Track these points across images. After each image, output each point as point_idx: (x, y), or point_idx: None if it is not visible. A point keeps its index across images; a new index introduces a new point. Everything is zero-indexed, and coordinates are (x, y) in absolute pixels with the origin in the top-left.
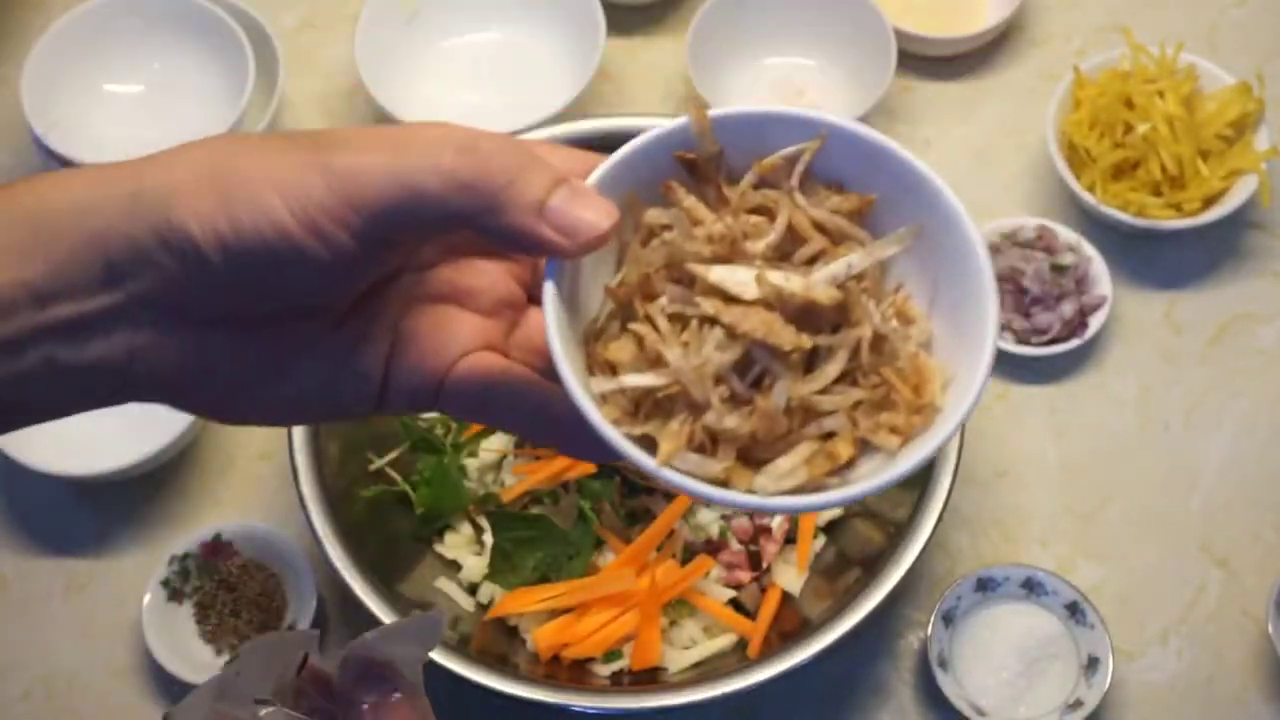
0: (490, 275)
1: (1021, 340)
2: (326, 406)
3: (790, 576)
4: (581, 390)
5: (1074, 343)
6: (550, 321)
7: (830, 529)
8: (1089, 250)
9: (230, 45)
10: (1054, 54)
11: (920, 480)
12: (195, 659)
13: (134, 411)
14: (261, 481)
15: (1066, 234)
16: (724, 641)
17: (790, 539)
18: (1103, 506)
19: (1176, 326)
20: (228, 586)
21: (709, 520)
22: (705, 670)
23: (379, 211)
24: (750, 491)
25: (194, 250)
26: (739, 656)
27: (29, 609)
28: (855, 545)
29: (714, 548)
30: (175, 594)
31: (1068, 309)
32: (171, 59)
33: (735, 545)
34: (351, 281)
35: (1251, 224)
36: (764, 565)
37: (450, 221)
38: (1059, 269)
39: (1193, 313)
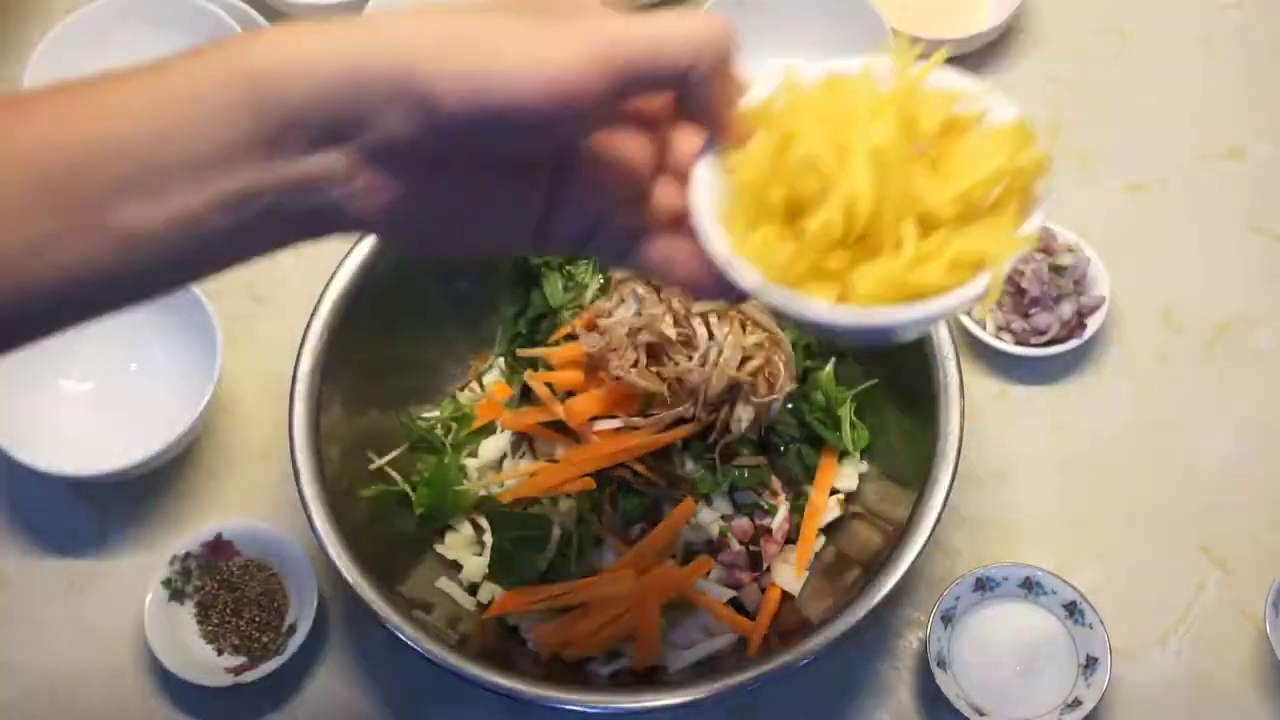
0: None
1: (1020, 341)
2: (499, 244)
3: (790, 576)
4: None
5: (1073, 343)
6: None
7: (830, 529)
8: (1088, 251)
9: None
10: (1054, 54)
11: (919, 480)
12: (196, 659)
13: (134, 411)
14: (262, 481)
15: (1065, 235)
16: (724, 641)
17: (790, 539)
18: (1101, 507)
19: (1175, 327)
20: (229, 586)
21: (709, 520)
22: (705, 670)
23: (628, 71)
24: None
25: (431, 109)
26: (739, 656)
27: (30, 609)
28: (855, 545)
29: (714, 548)
30: (176, 594)
31: (1066, 310)
32: None
33: (735, 545)
34: (565, 144)
35: (1251, 225)
36: (764, 565)
37: (675, 82)
38: (1058, 270)
39: (1191, 314)
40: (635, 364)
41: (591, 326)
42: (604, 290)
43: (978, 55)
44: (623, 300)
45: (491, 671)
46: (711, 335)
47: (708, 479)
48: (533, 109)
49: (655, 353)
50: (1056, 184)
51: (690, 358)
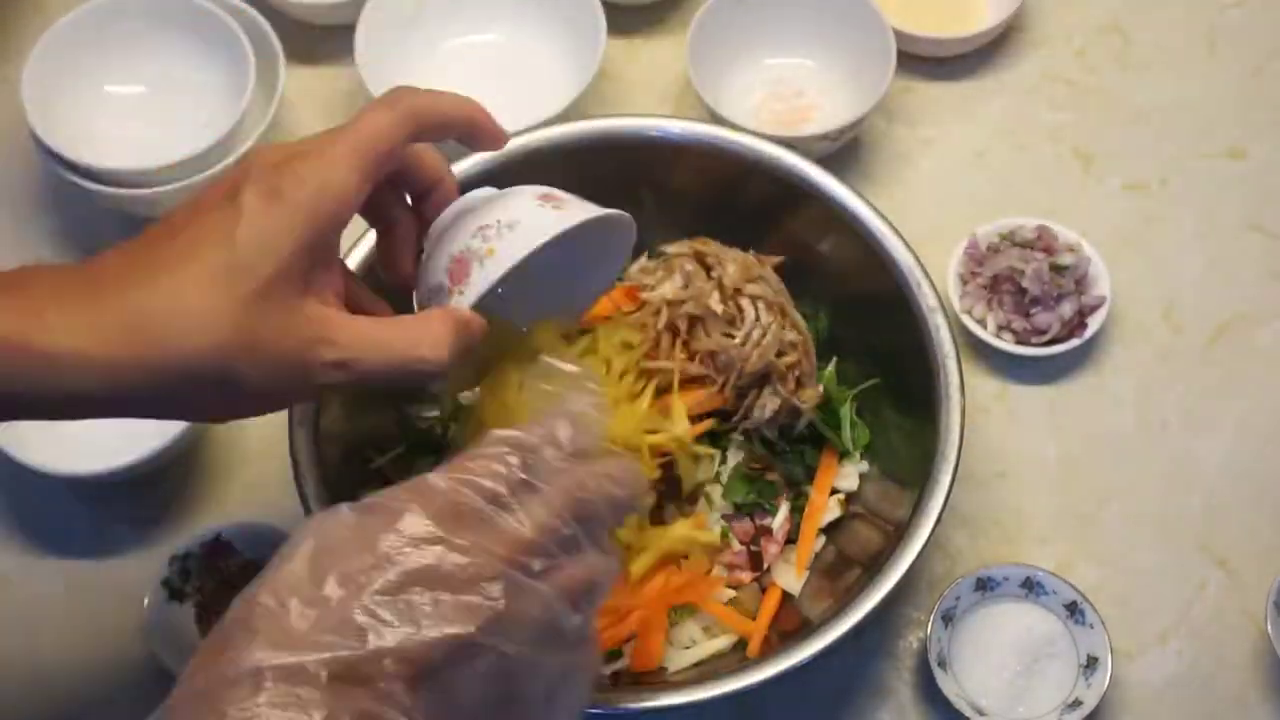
0: None
1: (1021, 340)
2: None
3: (790, 577)
4: None
5: (1073, 343)
6: None
7: (830, 529)
8: (1088, 250)
9: (230, 45)
10: (1054, 54)
11: (919, 480)
12: None
13: None
14: (262, 481)
15: (1066, 234)
16: (724, 641)
17: (790, 539)
18: (1102, 506)
19: (1176, 327)
20: (229, 586)
21: (710, 521)
22: (705, 670)
23: None
24: None
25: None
26: (739, 656)
27: (30, 608)
28: (855, 545)
29: (714, 548)
30: (176, 594)
31: (1067, 309)
32: (171, 59)
33: (736, 546)
34: None
35: (1251, 225)
36: (764, 565)
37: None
38: (1058, 269)
39: (1192, 313)
40: (671, 345)
41: (633, 299)
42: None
43: (978, 55)
44: (670, 273)
45: None
46: (758, 318)
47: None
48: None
49: (693, 329)
50: (1058, 184)
51: (732, 336)
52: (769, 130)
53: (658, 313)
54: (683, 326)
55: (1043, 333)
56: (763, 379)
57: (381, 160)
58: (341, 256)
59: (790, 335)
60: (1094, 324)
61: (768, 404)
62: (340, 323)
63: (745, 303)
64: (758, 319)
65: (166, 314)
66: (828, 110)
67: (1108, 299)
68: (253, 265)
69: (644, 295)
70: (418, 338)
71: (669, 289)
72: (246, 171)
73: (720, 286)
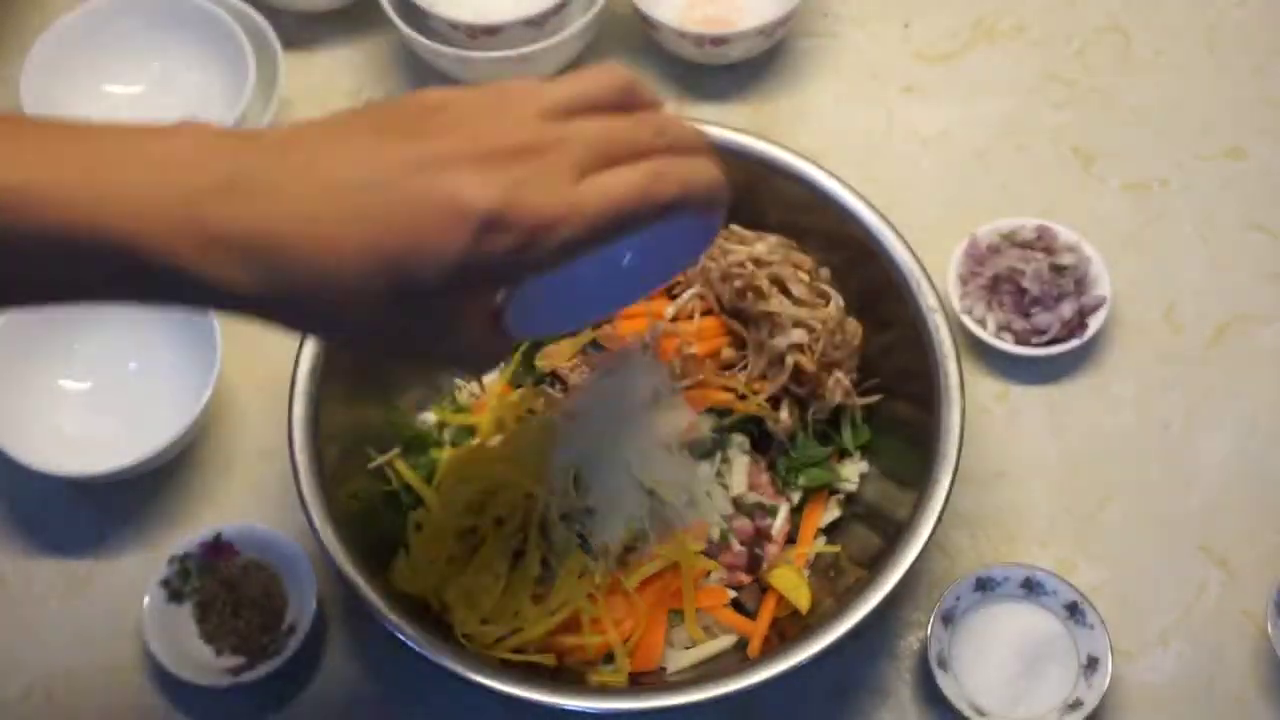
0: None
1: (1021, 341)
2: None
3: (790, 577)
4: None
5: (1073, 343)
6: None
7: (830, 530)
8: (1088, 250)
9: (230, 45)
10: (1054, 54)
11: (920, 480)
12: (195, 659)
13: (134, 411)
14: (262, 481)
15: (1066, 234)
16: (724, 642)
17: (790, 539)
18: (1102, 507)
19: (1176, 327)
20: (228, 586)
21: (710, 521)
22: (705, 671)
23: None
24: None
25: None
26: (739, 657)
27: (29, 609)
28: (855, 545)
29: (715, 549)
30: (175, 594)
31: (1067, 309)
32: (171, 59)
33: (736, 546)
34: None
35: (1251, 224)
36: (764, 566)
37: None
38: (1058, 269)
39: (1192, 313)
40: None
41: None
42: None
43: (978, 55)
44: (761, 238)
45: (490, 673)
46: (837, 304)
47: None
48: None
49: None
50: (1058, 184)
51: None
52: (698, 30)
53: (743, 266)
54: (764, 286)
55: (1043, 333)
56: (831, 364)
57: None
58: None
59: (852, 329)
60: (1094, 324)
61: (836, 390)
62: None
63: (827, 289)
64: (838, 305)
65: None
66: (755, 12)
67: (1108, 299)
68: None
69: (729, 249)
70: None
71: (761, 248)
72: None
73: (808, 269)
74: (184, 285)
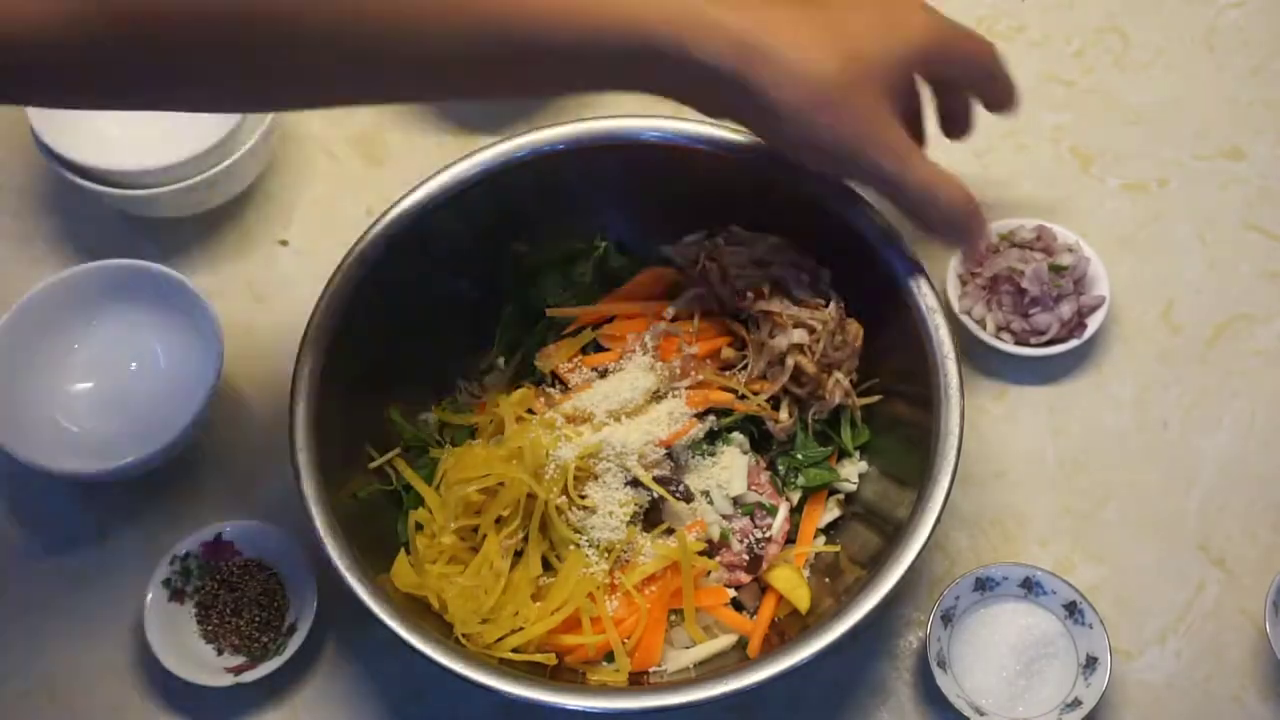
0: None
1: (1020, 341)
2: None
3: (790, 577)
4: None
5: (1072, 343)
6: None
7: (830, 529)
8: (1087, 251)
9: None
10: (1053, 54)
11: (919, 480)
12: (196, 658)
13: (134, 411)
14: (262, 481)
15: (1065, 234)
16: (724, 641)
17: (790, 539)
18: (1101, 506)
19: (1175, 327)
20: (229, 586)
21: (710, 521)
22: (705, 670)
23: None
24: None
25: None
26: (739, 656)
27: (30, 607)
28: (855, 545)
29: (714, 548)
30: (176, 593)
31: (1066, 310)
32: None
33: (736, 546)
34: None
35: (1250, 225)
36: (764, 565)
37: None
38: (1057, 270)
39: (1191, 313)
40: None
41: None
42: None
43: None
44: (762, 238)
45: (490, 672)
46: (838, 306)
47: (808, 443)
48: None
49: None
50: (1057, 184)
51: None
52: None
53: (743, 267)
54: (766, 289)
55: (1042, 333)
56: (831, 365)
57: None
58: (343, 256)
59: (853, 330)
60: (1093, 324)
61: (836, 390)
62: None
63: (827, 290)
64: (838, 306)
65: None
66: None
67: (1107, 299)
68: (861, 50)
69: (729, 250)
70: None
71: (761, 249)
72: None
73: (807, 269)
74: (686, 65)
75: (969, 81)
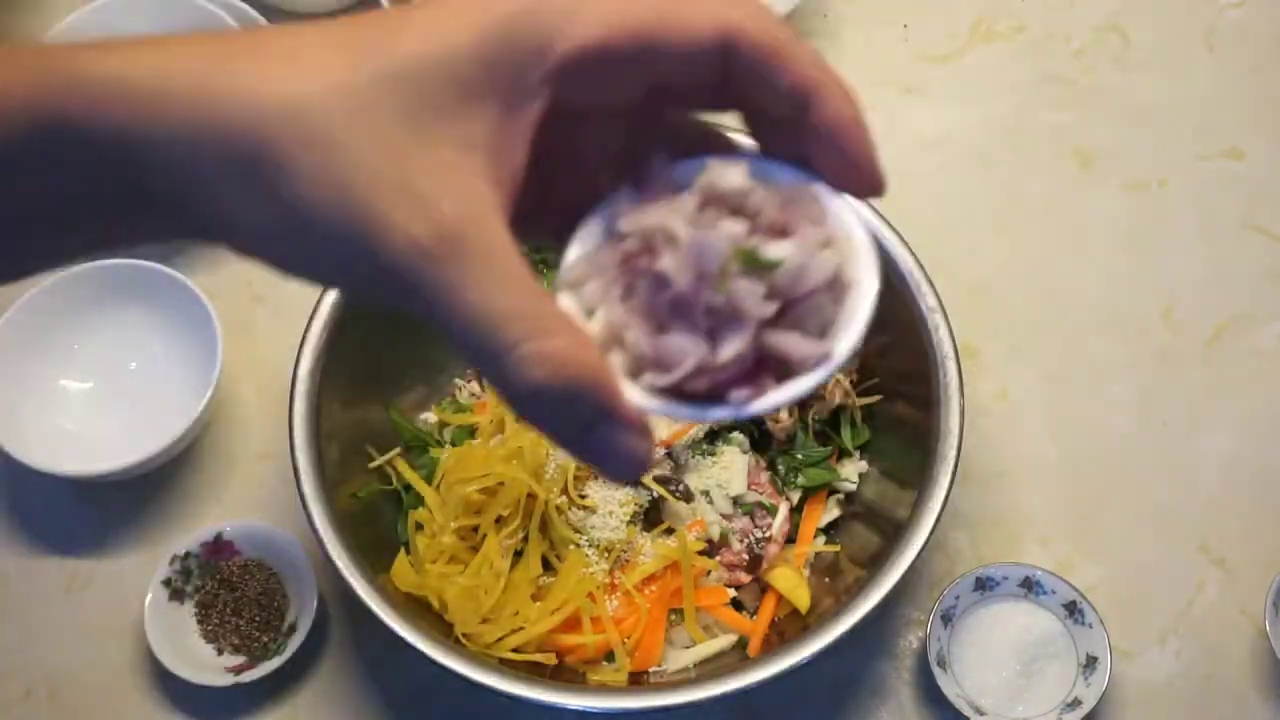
0: None
1: (635, 373)
2: None
3: (790, 577)
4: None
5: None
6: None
7: (830, 529)
8: (865, 257)
9: None
10: (1054, 54)
11: (919, 480)
12: (196, 658)
13: (134, 411)
14: (262, 481)
15: (843, 209)
16: (724, 641)
17: (790, 539)
18: (1102, 506)
19: (1175, 327)
20: (229, 586)
21: (710, 521)
22: (706, 670)
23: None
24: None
25: None
26: (739, 656)
27: (30, 609)
28: (855, 545)
29: (714, 548)
30: (176, 593)
31: (731, 346)
32: None
33: (736, 545)
34: None
35: (1250, 224)
36: (764, 565)
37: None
38: (753, 262)
39: (1191, 313)
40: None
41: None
42: None
43: (977, 55)
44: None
45: (491, 672)
46: None
47: (807, 444)
48: None
49: None
50: (1057, 183)
51: None
52: None
53: None
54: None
55: (666, 369)
56: None
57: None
58: None
59: None
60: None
61: (836, 390)
62: (462, 196)
63: None
64: None
65: (262, 54)
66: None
67: (833, 361)
68: (406, 41)
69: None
70: (548, 324)
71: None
72: None
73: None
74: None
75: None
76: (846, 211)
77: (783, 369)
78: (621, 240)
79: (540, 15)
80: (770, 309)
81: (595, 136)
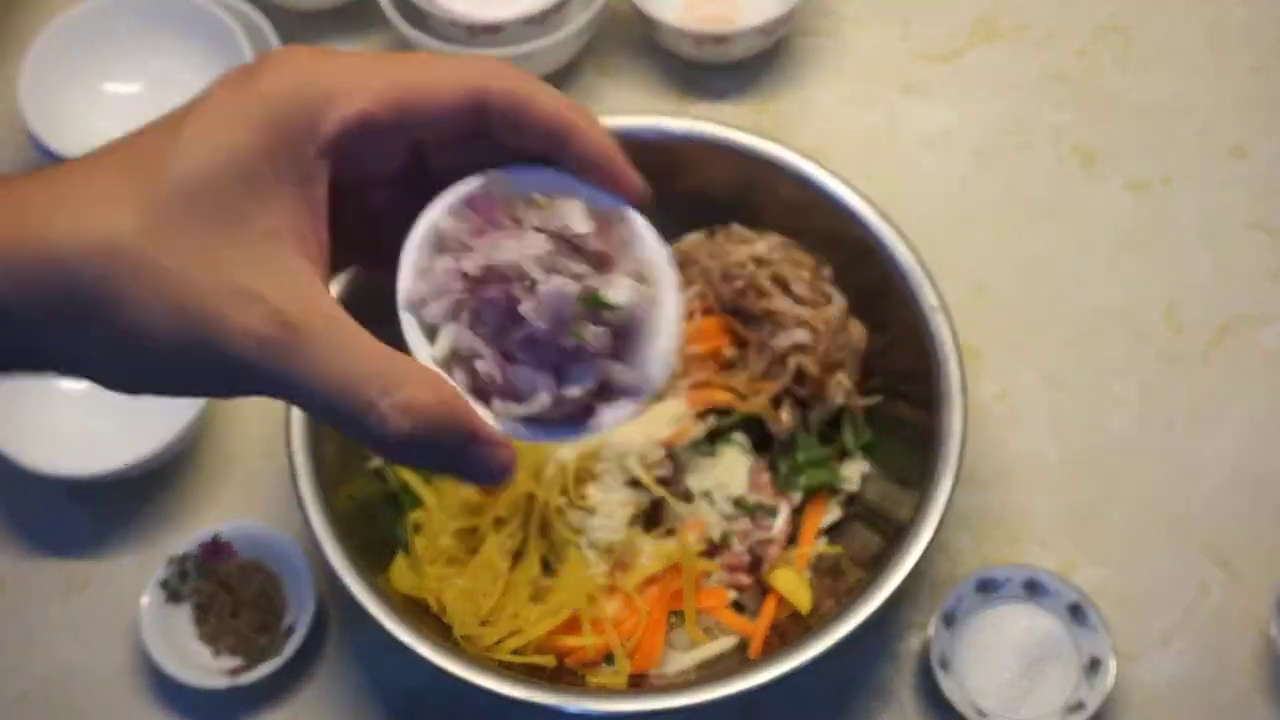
0: None
1: (480, 394)
2: None
3: (791, 578)
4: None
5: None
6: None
7: (832, 530)
8: (669, 291)
9: (230, 45)
10: (1054, 54)
11: (921, 481)
12: (193, 660)
13: (132, 411)
14: (260, 482)
15: (652, 246)
16: (725, 643)
17: (791, 540)
18: (1104, 508)
19: (1178, 327)
20: (226, 587)
21: (711, 522)
22: (706, 672)
23: None
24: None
25: None
26: (740, 658)
27: (27, 610)
28: (856, 546)
29: (715, 549)
30: (174, 595)
31: (578, 384)
32: (171, 59)
33: (737, 547)
34: None
35: (1253, 224)
36: (765, 567)
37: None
38: (598, 304)
39: (1194, 313)
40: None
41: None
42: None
43: (978, 55)
44: (762, 237)
45: (489, 674)
46: (839, 304)
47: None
48: None
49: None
50: (1058, 184)
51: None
52: (698, 29)
53: (743, 265)
54: (766, 285)
55: (518, 399)
56: (834, 366)
57: (420, 96)
58: None
59: (855, 331)
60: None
61: (838, 391)
62: (285, 281)
63: (829, 288)
64: (840, 305)
65: (60, 197)
66: (756, 10)
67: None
68: (187, 151)
69: (729, 248)
70: (399, 376)
71: (762, 247)
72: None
73: (811, 268)
74: None
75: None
76: (648, 231)
77: (607, 392)
78: (459, 258)
79: (302, 100)
80: (608, 344)
81: (380, 195)
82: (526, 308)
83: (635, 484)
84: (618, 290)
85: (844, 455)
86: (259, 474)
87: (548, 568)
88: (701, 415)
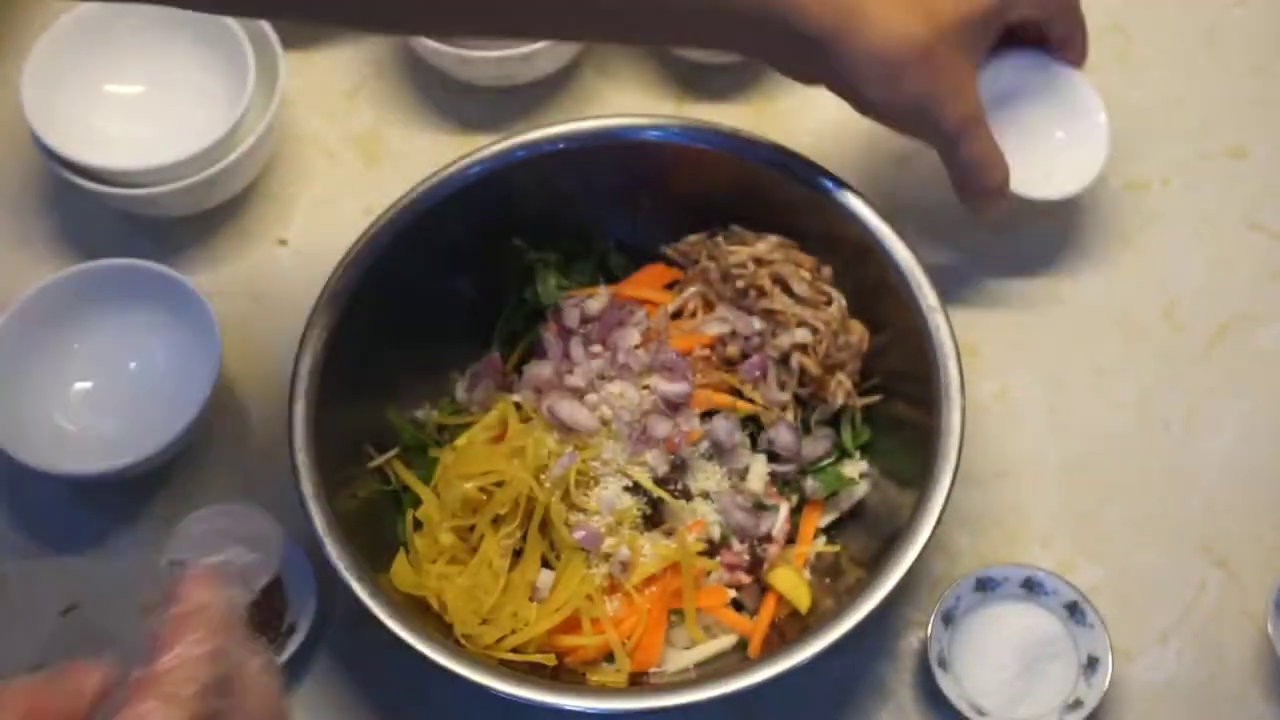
0: None
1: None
2: None
3: (790, 577)
4: None
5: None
6: None
7: (830, 530)
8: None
9: (230, 45)
10: None
11: (920, 480)
12: None
13: (134, 411)
14: (262, 481)
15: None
16: (724, 642)
17: (790, 539)
18: (1103, 507)
19: (1177, 326)
20: None
21: (711, 521)
22: (705, 670)
23: None
24: None
25: None
26: (739, 656)
27: (29, 609)
28: (855, 545)
29: (715, 548)
30: None
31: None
32: (171, 59)
33: (736, 546)
34: None
35: (1252, 224)
36: (764, 565)
37: None
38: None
39: (1193, 313)
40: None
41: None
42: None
43: None
44: (761, 237)
45: (490, 673)
46: (840, 305)
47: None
48: None
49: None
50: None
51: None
52: None
53: (744, 265)
54: (766, 285)
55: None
56: (835, 366)
57: None
58: (342, 256)
59: (856, 331)
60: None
61: (838, 391)
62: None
63: (829, 289)
64: (840, 306)
65: None
66: None
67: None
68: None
69: (730, 248)
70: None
71: (762, 248)
72: None
73: (811, 269)
74: (789, 35)
75: (1045, 21)
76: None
77: None
78: None
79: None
80: None
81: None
82: (718, 426)
83: (635, 489)
84: (778, 430)
85: (843, 455)
86: (260, 473)
87: (548, 567)
88: (702, 415)
